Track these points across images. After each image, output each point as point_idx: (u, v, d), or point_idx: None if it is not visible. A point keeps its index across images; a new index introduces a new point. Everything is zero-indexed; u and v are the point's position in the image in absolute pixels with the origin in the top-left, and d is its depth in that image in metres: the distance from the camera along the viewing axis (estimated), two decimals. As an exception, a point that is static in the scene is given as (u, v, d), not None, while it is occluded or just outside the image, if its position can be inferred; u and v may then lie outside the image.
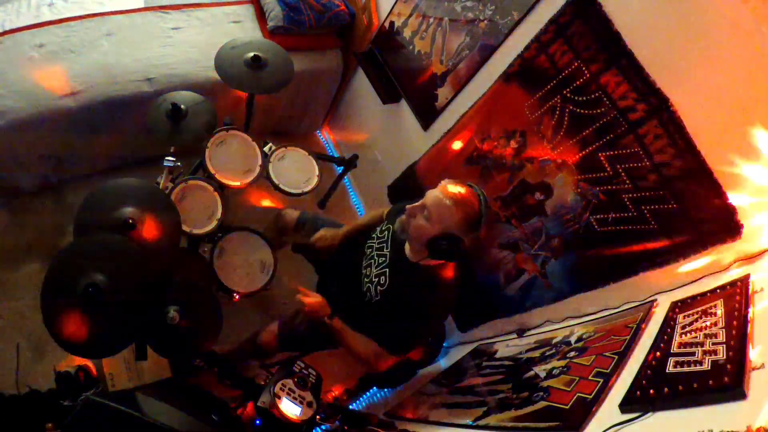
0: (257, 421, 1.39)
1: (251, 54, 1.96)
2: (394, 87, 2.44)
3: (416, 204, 1.43)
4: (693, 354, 1.04)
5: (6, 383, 1.91)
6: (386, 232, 1.66)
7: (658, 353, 1.14)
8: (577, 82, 1.60)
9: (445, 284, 1.51)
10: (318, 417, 1.40)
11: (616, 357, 1.25)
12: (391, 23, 2.41)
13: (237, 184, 1.89)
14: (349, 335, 1.55)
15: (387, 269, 1.56)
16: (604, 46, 1.51)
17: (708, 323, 1.12)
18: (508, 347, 1.93)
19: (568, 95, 1.64)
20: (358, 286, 1.64)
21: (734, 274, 1.29)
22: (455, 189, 1.40)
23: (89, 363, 1.97)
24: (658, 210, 1.46)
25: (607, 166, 1.57)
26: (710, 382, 0.91)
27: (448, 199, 1.38)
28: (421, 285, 1.48)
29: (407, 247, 1.54)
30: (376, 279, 1.58)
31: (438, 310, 1.62)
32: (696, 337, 1.10)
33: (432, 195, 1.42)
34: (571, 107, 1.65)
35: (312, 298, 1.56)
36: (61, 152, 2.23)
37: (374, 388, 2.39)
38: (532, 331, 1.92)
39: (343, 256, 1.82)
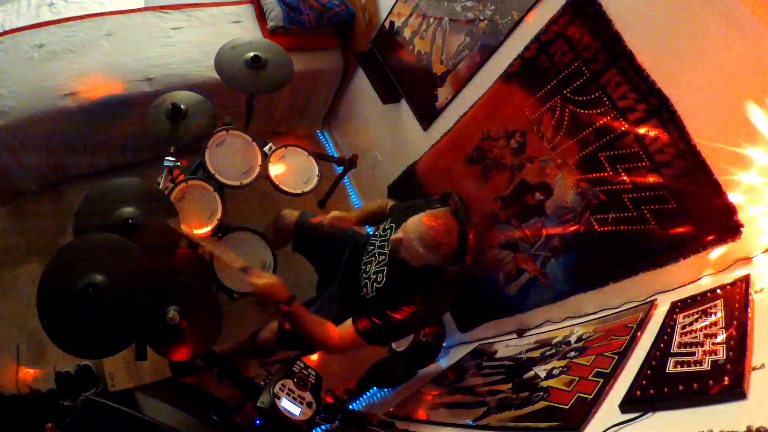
0: (257, 421, 1.39)
1: (251, 54, 1.96)
2: (394, 87, 2.44)
3: (398, 236, 1.44)
4: (693, 354, 1.04)
5: (6, 383, 1.91)
6: (389, 231, 1.66)
7: (658, 353, 1.14)
8: (577, 82, 1.60)
9: (440, 292, 1.51)
10: (318, 417, 1.40)
11: (616, 357, 1.25)
12: (391, 23, 2.41)
13: (237, 184, 1.89)
14: (306, 319, 1.50)
15: (385, 267, 1.57)
16: (604, 47, 1.51)
17: (708, 323, 1.12)
18: (508, 347, 1.93)
19: (568, 95, 1.64)
20: (356, 280, 1.64)
21: (734, 274, 1.29)
22: (428, 230, 1.37)
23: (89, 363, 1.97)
24: (658, 210, 1.46)
25: (607, 166, 1.57)
26: (710, 382, 0.91)
27: (421, 245, 1.38)
28: (414, 289, 1.49)
29: None
30: (374, 276, 1.59)
31: (424, 316, 1.62)
32: (696, 337, 1.10)
33: (407, 233, 1.41)
34: (571, 107, 1.65)
35: (264, 280, 1.43)
36: (61, 152, 2.23)
37: (374, 388, 2.38)
38: (532, 331, 1.92)
39: (346, 251, 1.83)
